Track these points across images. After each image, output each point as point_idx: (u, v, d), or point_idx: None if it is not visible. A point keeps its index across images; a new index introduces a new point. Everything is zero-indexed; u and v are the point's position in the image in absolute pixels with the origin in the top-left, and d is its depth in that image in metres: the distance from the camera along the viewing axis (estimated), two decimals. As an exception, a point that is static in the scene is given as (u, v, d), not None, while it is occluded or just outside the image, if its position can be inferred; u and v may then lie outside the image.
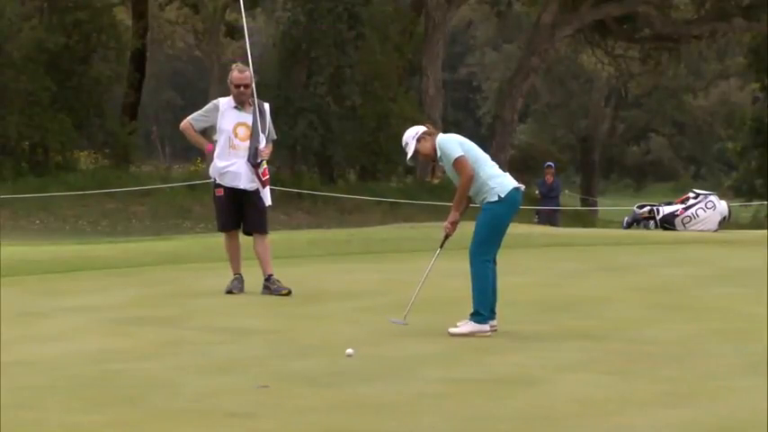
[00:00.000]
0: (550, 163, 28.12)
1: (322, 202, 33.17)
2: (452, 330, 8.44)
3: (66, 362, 7.39)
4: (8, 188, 30.95)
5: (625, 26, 42.53)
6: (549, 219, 25.83)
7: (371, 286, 11.41)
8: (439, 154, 8.59)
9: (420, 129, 8.71)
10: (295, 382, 6.71)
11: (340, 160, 36.51)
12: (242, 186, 10.57)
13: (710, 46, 44.75)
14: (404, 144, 8.66)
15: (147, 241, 18.91)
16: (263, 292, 10.61)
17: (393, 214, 31.60)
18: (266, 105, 10.82)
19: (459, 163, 8.49)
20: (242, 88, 10.58)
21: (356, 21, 35.62)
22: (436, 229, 21.03)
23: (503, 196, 8.55)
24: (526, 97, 44.94)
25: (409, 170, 41.17)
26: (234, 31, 43.00)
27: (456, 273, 12.33)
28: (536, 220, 25.86)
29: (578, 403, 6.19)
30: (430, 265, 8.95)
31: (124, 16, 40.98)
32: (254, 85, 10.65)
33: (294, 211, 32.66)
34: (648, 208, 25.64)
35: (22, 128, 33.46)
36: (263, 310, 9.77)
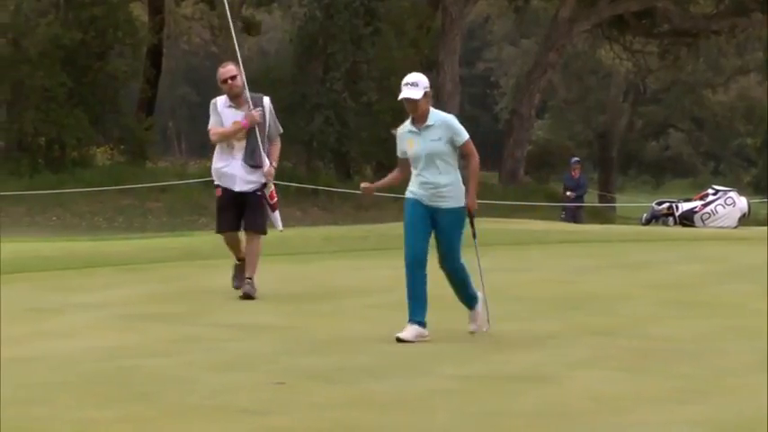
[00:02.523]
0: (577, 158, 28.02)
1: (338, 199, 33.18)
2: (473, 328, 8.36)
3: (79, 358, 7.44)
4: (24, 184, 31.08)
5: (643, 21, 42.40)
6: (574, 215, 25.80)
7: (386, 283, 11.42)
8: (433, 123, 8.01)
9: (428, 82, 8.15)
10: (308, 379, 6.74)
11: (356, 156, 36.53)
12: (237, 189, 10.20)
13: (730, 41, 44.54)
14: (415, 82, 7.99)
15: (162, 237, 18.97)
16: (234, 284, 10.38)
17: (409, 210, 31.57)
18: (266, 100, 10.39)
19: (470, 144, 8.12)
20: (229, 81, 10.18)
21: (373, 16, 35.64)
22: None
23: (464, 205, 8.17)
24: (543, 93, 44.83)
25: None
26: (250, 27, 43.05)
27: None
28: (563, 215, 25.82)
29: (592, 400, 6.20)
30: (478, 261, 8.45)
31: (140, 12, 41.07)
32: (244, 79, 10.25)
33: (310, 208, 32.68)
34: (667, 204, 25.58)
35: (39, 124, 33.57)
36: (276, 307, 9.80)
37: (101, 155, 37.41)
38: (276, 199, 10.40)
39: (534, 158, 46.92)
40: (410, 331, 7.95)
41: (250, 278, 10.21)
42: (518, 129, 40.56)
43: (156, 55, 39.78)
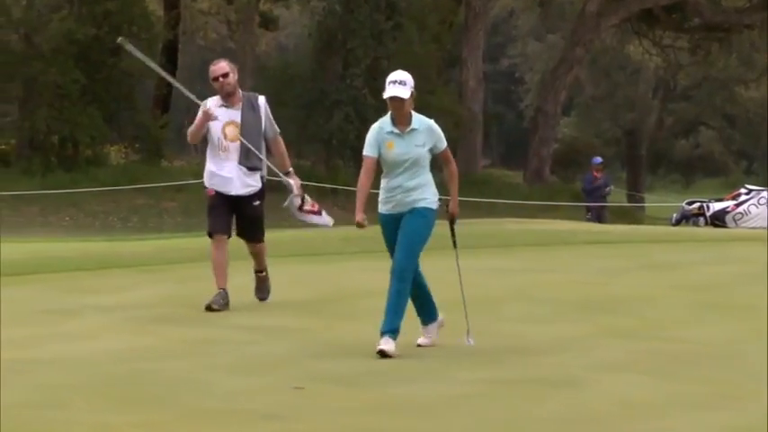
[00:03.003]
0: (600, 159, 27.95)
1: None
2: (423, 341, 8.06)
3: (94, 360, 7.49)
4: (37, 183, 31.23)
5: (674, 15, 42.28)
6: (599, 216, 25.77)
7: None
8: (417, 127, 7.80)
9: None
10: (328, 383, 6.77)
11: (377, 155, 36.57)
12: (234, 192, 9.84)
13: (763, 35, 44.34)
14: (402, 80, 7.78)
15: (178, 238, 19.04)
16: (257, 293, 10.23)
17: (432, 211, 31.57)
18: (260, 99, 10.07)
19: (449, 153, 8.00)
20: (221, 79, 9.84)
21: (394, 10, 35.64)
22: (478, 225, 21.10)
23: (436, 208, 8.04)
24: (570, 89, 44.76)
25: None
26: (268, 22, 43.14)
27: (490, 270, 12.35)
28: (588, 216, 25.78)
29: (620, 405, 6.21)
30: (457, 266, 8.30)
31: (155, 7, 41.19)
32: (236, 77, 9.94)
33: (329, 207, 32.68)
34: (698, 204, 25.52)
35: (51, 121, 33.71)
36: (295, 309, 9.83)
37: (115, 153, 37.55)
38: (316, 205, 10.20)
39: (560, 157, 46.82)
40: (390, 343, 7.61)
41: (260, 270, 10.19)
42: (543, 126, 40.49)
43: (171, 51, 39.90)
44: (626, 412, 6.05)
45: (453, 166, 8.05)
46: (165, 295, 10.71)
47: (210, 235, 9.99)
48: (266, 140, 10.03)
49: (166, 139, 38.01)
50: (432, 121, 7.93)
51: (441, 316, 8.25)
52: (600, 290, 10.97)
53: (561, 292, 10.73)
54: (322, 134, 34.80)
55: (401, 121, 7.82)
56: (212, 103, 9.96)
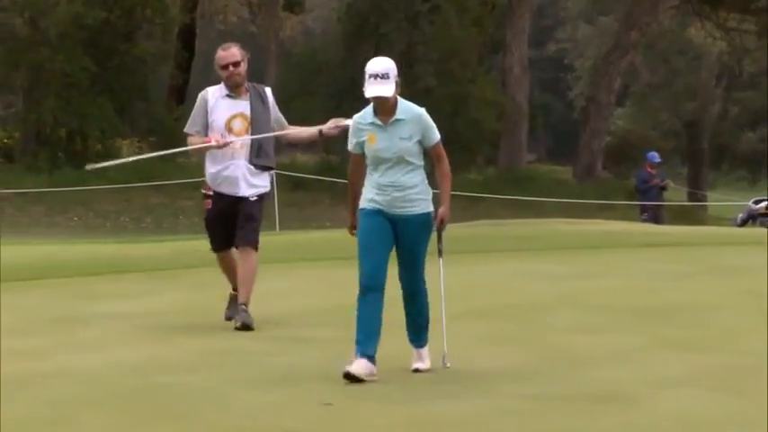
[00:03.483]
0: (656, 155, 27.79)
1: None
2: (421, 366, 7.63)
3: (106, 373, 7.54)
4: (43, 181, 31.45)
5: (739, -5, 42.10)
6: (656, 216, 25.68)
7: (446, 290, 11.45)
8: (403, 117, 7.45)
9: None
10: (359, 399, 6.78)
11: (412, 149, 36.60)
12: (241, 194, 9.47)
13: (838, 17, 44.05)
14: (385, 72, 7.37)
15: (195, 240, 19.10)
16: (226, 314, 9.65)
17: (472, 210, 31.53)
18: (267, 90, 9.72)
19: (441, 148, 7.59)
20: (231, 68, 9.44)
21: (430, -9, 35.71)
22: (523, 226, 21.08)
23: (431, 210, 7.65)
24: (624, 77, 44.63)
25: (490, 160, 41.14)
26: (294, 4, 43.22)
27: (537, 275, 12.33)
28: (644, 216, 25.66)
29: (680, 423, 6.19)
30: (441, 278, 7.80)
31: (171, -12, 41.38)
32: (246, 67, 9.55)
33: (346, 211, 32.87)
34: (766, 203, 25.39)
35: (59, 113, 33.92)
36: (322, 318, 9.85)
37: (127, 148, 37.75)
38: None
39: (613, 151, 46.67)
40: (361, 366, 7.26)
41: (244, 305, 9.37)
42: (595, 117, 40.39)
43: (188, 36, 40.05)
44: (686, 431, 6.02)
45: (446, 165, 7.59)
46: (182, 302, 10.75)
47: (214, 251, 9.89)
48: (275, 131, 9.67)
49: (183, 132, 38.14)
50: (422, 110, 7.55)
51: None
52: (657, 297, 10.94)
53: (615, 299, 10.70)
54: (352, 127, 34.85)
55: (384, 111, 7.45)
56: (213, 93, 9.61)
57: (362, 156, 7.55)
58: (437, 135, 7.58)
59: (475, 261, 14.06)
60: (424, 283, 7.70)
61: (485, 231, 19.21)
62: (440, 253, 7.77)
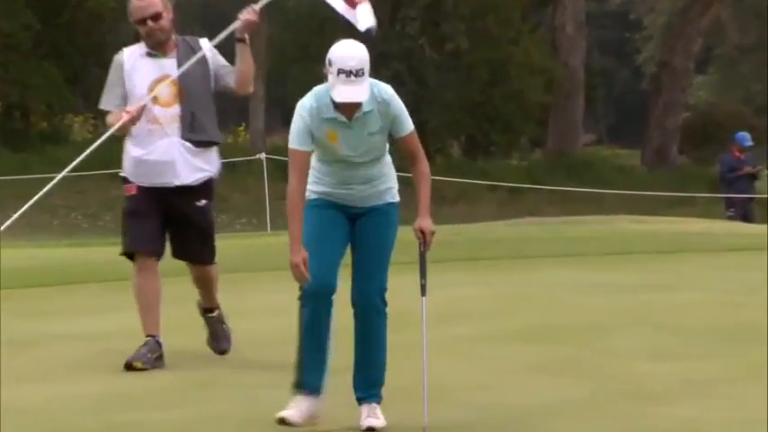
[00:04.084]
0: (746, 136, 27.74)
1: (412, 188, 33.33)
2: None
3: (56, 409, 7.56)
4: (-26, 168, 31.49)
5: None
6: (745, 212, 25.62)
7: (482, 306, 11.49)
8: (370, 107, 7.09)
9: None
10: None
11: (438, 127, 36.58)
12: (179, 181, 9.01)
13: None
14: (359, 68, 6.94)
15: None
16: (212, 343, 9.41)
17: (512, 205, 31.58)
18: (203, 42, 9.23)
19: (416, 138, 7.28)
20: (149, 23, 9.02)
21: (462, -71, 35.72)
22: (579, 225, 20.99)
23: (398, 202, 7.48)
24: (707, 37, 44.55)
25: (537, 142, 41.12)
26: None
27: (596, 286, 12.35)
28: (731, 212, 25.61)
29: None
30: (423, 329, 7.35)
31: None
32: (170, 17, 9.11)
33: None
34: None
35: (-6, 83, 33.97)
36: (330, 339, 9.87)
37: (80, 126, 37.76)
38: None
39: (693, 130, 46.54)
40: (302, 408, 7.12)
41: (211, 310, 9.31)
42: (669, 88, 40.34)
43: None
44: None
45: (425, 164, 7.30)
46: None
47: (130, 255, 9.17)
48: (216, 92, 9.23)
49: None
50: (390, 93, 7.18)
51: None
52: (749, 314, 10.94)
53: (693, 317, 10.72)
54: (363, 99, 34.88)
55: (351, 109, 7.06)
56: (131, 54, 9.18)
57: (308, 156, 7.12)
58: (410, 124, 7.22)
59: (517, 269, 14.09)
60: (386, 304, 7.33)
61: (529, 231, 19.22)
62: (422, 290, 7.34)
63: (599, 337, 9.86)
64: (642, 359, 9.06)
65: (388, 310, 7.31)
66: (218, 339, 9.40)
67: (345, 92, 6.90)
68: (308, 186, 7.19)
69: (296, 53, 37.54)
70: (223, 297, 12.02)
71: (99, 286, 12.85)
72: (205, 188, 9.15)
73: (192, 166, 9.04)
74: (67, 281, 13.21)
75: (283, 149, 32.73)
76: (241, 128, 40.67)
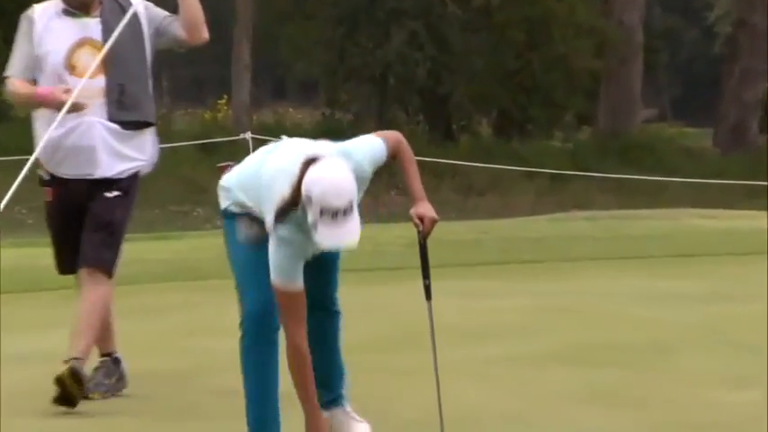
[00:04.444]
0: None
1: (433, 175, 33.31)
2: None
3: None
4: None
5: None
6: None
7: (515, 320, 11.51)
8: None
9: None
10: None
11: (463, 101, 36.61)
12: (101, 173, 8.86)
13: None
14: (348, 204, 6.84)
15: (130, 241, 19.16)
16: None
17: (555, 194, 31.61)
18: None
19: (382, 134, 7.67)
20: None
21: None
22: (637, 221, 20.97)
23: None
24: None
25: (585, 119, 41.10)
26: None
27: (658, 295, 12.36)
28: None
29: None
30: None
31: None
32: None
33: (384, 192, 32.76)
34: None
35: None
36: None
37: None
38: None
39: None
40: None
41: (76, 359, 8.65)
42: (748, 53, 40.34)
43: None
44: None
45: (398, 140, 7.64)
46: (122, 335, 10.80)
47: (63, 273, 9.26)
48: (156, 50, 9.11)
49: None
50: (359, 158, 7.35)
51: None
52: None
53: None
54: (372, 66, 34.88)
55: None
56: (43, 12, 9.01)
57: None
58: (377, 147, 7.50)
59: (560, 274, 14.12)
60: (337, 308, 7.73)
61: (576, 228, 19.26)
62: (427, 292, 7.50)
63: (663, 358, 9.88)
64: (718, 386, 9.07)
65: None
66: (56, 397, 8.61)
67: (332, 236, 6.83)
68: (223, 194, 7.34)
69: (287, 9, 37.57)
70: (197, 312, 12.07)
71: (47, 295, 12.88)
72: (128, 181, 8.99)
73: (117, 155, 8.90)
74: (12, 289, 13.25)
75: (273, 128, 32.87)
76: (222, 101, 40.72)
